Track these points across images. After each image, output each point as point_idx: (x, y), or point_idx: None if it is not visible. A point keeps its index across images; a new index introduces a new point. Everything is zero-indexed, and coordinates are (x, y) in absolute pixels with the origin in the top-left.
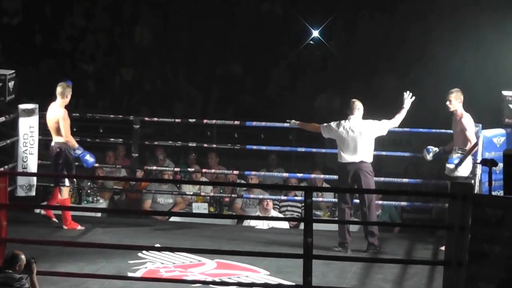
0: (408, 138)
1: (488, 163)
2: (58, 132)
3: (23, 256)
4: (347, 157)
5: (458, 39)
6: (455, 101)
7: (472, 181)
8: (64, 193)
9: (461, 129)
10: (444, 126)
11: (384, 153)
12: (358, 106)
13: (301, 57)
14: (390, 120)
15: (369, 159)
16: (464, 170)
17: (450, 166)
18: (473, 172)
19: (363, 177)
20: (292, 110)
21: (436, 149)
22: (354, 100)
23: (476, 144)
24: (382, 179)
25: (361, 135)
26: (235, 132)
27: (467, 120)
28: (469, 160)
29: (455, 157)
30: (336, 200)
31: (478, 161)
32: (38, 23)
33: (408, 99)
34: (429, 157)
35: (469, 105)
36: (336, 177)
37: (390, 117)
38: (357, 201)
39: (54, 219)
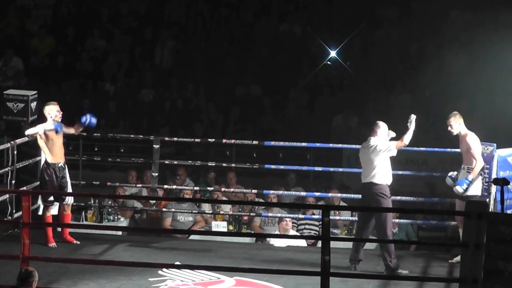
0: (424, 157)
1: (500, 182)
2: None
3: (36, 273)
4: (362, 178)
5: (473, 58)
6: (455, 124)
7: (487, 200)
8: (49, 211)
9: (467, 148)
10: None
11: (400, 172)
12: (378, 129)
13: (318, 77)
14: (398, 141)
15: (380, 180)
16: (476, 190)
17: (459, 189)
18: (488, 191)
19: (375, 198)
20: (310, 130)
21: (455, 173)
22: (378, 122)
23: (482, 163)
24: (398, 197)
25: (370, 157)
26: (254, 152)
27: (472, 139)
28: (479, 179)
29: (464, 179)
30: (353, 218)
31: (491, 180)
32: (61, 45)
33: (413, 120)
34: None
35: (484, 124)
36: (352, 195)
37: (399, 138)
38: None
39: (76, 242)
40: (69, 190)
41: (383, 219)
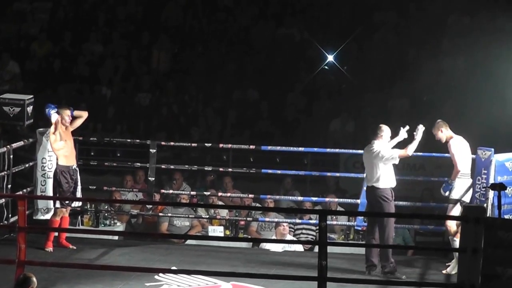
0: (422, 162)
1: (497, 187)
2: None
3: (34, 279)
4: (365, 182)
5: (471, 62)
6: (439, 133)
7: (485, 205)
8: (56, 215)
9: (451, 153)
10: None
11: (397, 177)
12: (382, 132)
13: (316, 81)
14: (402, 150)
15: (383, 185)
16: (466, 196)
17: (442, 192)
18: (486, 196)
19: (377, 202)
20: (307, 134)
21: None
22: (380, 125)
23: (460, 167)
24: (395, 202)
25: (373, 161)
26: (251, 156)
27: (453, 142)
28: (467, 184)
29: (445, 185)
30: (350, 223)
31: (488, 185)
32: (57, 49)
33: (421, 131)
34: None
35: (482, 129)
36: (349, 200)
37: (403, 146)
38: None
39: (72, 247)
40: (79, 194)
41: (384, 222)
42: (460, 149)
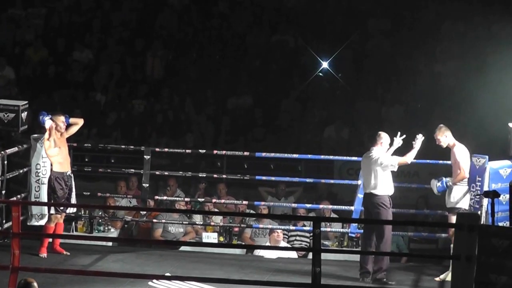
0: (416, 169)
1: (490, 194)
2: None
3: (35, 284)
4: (363, 188)
5: (465, 69)
6: (442, 137)
7: (479, 212)
8: (51, 221)
9: (454, 159)
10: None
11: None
12: (381, 139)
13: (310, 88)
14: (401, 157)
15: (381, 191)
16: (463, 202)
17: (433, 182)
18: (480, 203)
19: (375, 209)
20: (301, 141)
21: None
22: (380, 132)
23: (465, 174)
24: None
25: (372, 168)
26: (245, 163)
27: (458, 150)
28: (463, 191)
29: (440, 185)
30: (344, 230)
31: (482, 192)
32: (52, 55)
33: (420, 140)
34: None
35: (476, 136)
36: (343, 207)
37: (401, 154)
38: None
39: (66, 253)
40: (74, 200)
41: (382, 230)
42: (466, 156)
